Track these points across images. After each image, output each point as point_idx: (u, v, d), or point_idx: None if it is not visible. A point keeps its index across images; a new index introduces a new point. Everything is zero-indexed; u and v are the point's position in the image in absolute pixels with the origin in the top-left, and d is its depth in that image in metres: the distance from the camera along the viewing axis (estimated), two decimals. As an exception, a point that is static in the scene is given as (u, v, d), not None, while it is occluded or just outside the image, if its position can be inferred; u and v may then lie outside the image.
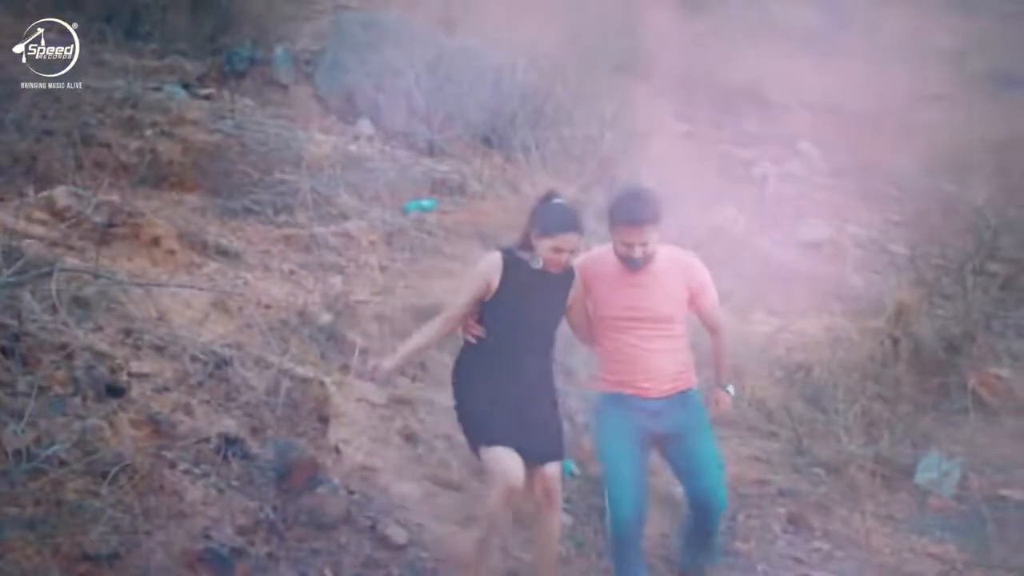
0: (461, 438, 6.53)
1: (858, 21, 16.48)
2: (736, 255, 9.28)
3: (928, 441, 7.89)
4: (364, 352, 6.86)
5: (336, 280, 7.99)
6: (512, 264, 5.14)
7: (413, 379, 7.09)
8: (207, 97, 10.75)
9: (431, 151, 11.14)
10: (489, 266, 5.16)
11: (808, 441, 7.66)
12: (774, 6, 17.23)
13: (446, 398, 6.88)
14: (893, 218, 12.40)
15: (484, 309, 5.17)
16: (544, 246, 5.09)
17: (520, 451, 5.02)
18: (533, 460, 5.07)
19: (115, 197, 7.76)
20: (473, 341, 5.18)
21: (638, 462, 5.24)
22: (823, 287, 9.91)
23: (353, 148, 10.37)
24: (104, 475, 5.07)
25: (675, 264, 5.30)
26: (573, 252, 5.14)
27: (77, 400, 5.47)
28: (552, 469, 5.14)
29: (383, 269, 8.42)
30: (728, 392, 5.56)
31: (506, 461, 4.99)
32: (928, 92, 14.38)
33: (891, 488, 7.32)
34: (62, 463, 5.05)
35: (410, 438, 6.53)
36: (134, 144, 9.03)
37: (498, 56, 11.89)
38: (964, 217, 11.03)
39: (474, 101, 11.54)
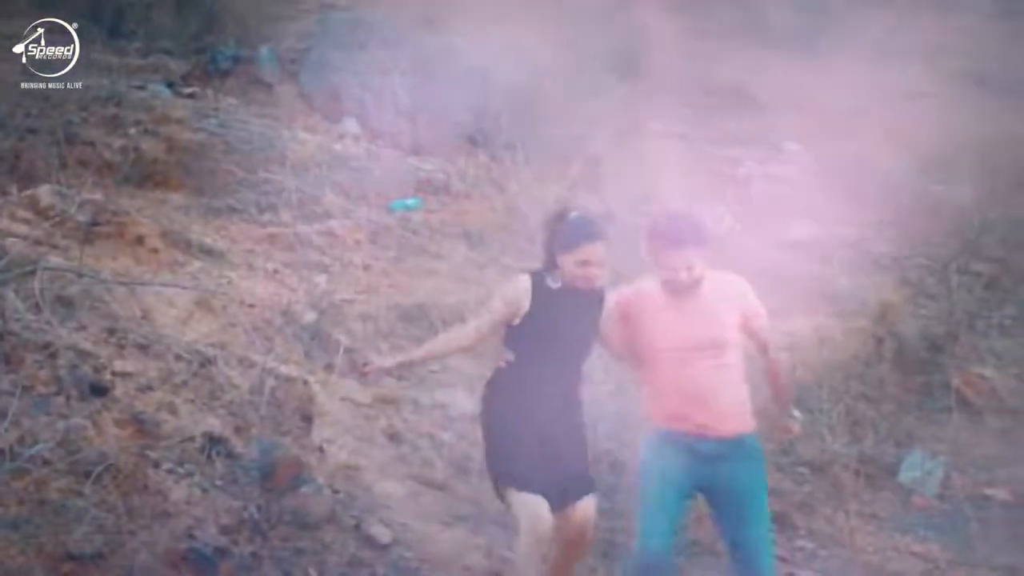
0: (445, 437, 6.60)
1: (839, 21, 16.52)
2: (722, 255, 9.28)
3: (912, 440, 7.92)
4: (349, 351, 6.86)
5: (320, 279, 7.99)
6: (541, 287, 4.91)
7: (398, 378, 7.08)
8: (191, 96, 10.73)
9: (416, 150, 11.14)
10: (518, 289, 4.92)
11: (792, 440, 7.66)
12: (759, 6, 17.25)
13: (430, 397, 6.90)
14: (878, 218, 12.42)
15: (512, 333, 4.93)
16: (569, 262, 4.85)
17: (550, 492, 4.80)
18: (565, 499, 4.86)
19: (99, 196, 7.75)
20: (503, 365, 4.97)
21: (677, 505, 4.89)
22: (808, 287, 9.93)
23: (338, 147, 10.36)
24: (88, 474, 5.06)
25: (724, 287, 5.00)
26: (601, 264, 4.90)
27: (60, 399, 5.45)
28: (586, 505, 4.90)
29: (367, 268, 8.41)
30: (796, 419, 5.25)
31: (534, 508, 4.76)
32: (912, 91, 14.41)
33: (875, 487, 7.34)
34: (45, 462, 5.04)
35: (394, 437, 6.53)
36: (118, 143, 9.01)
37: (483, 55, 11.89)
38: (948, 217, 11.08)
39: (459, 100, 11.55)
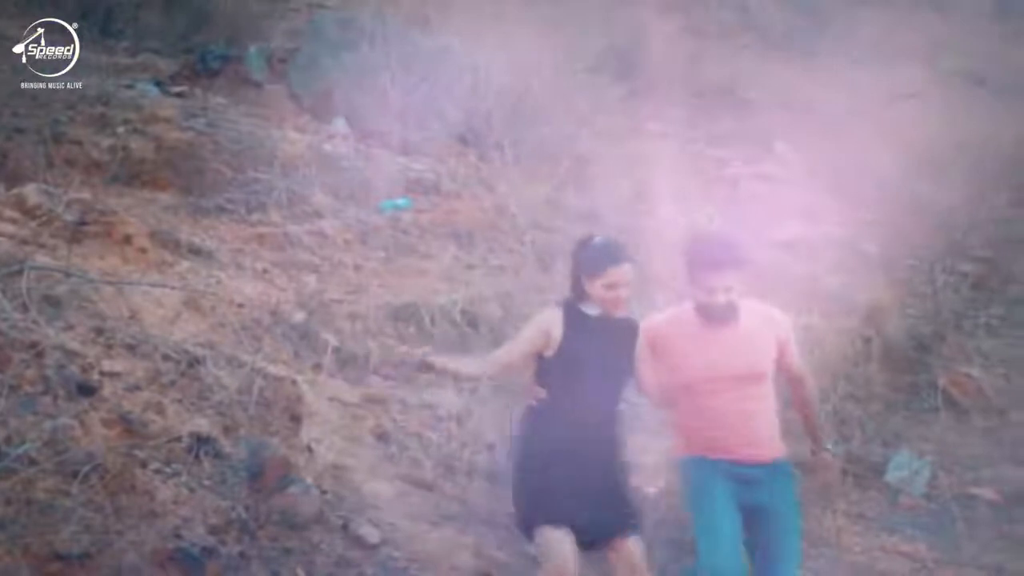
0: (433, 436, 6.60)
1: (833, 21, 16.55)
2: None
3: (899, 440, 7.93)
4: (337, 351, 6.86)
5: (310, 279, 7.99)
6: (573, 316, 4.83)
7: (385, 378, 7.09)
8: (180, 95, 10.72)
9: (406, 150, 11.14)
10: (549, 318, 4.84)
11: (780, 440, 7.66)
12: (750, 6, 17.28)
13: (418, 397, 6.89)
14: (866, 218, 12.44)
15: (545, 366, 4.84)
16: (597, 287, 4.78)
17: (587, 530, 4.72)
18: (605, 535, 4.78)
19: (86, 195, 7.75)
20: (535, 403, 4.87)
21: (735, 521, 4.82)
22: (797, 287, 9.93)
23: (328, 147, 10.36)
24: (75, 474, 5.05)
25: (761, 317, 4.93)
26: (628, 286, 4.81)
27: (48, 399, 5.44)
28: (632, 542, 4.79)
29: (357, 268, 8.41)
30: (831, 452, 5.27)
31: (558, 547, 4.67)
32: (903, 92, 14.45)
33: (862, 487, 7.36)
34: (32, 462, 5.03)
35: (382, 437, 6.52)
36: (106, 142, 9.00)
37: (474, 55, 11.89)
38: (936, 217, 11.11)
39: (449, 100, 11.55)
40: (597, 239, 4.96)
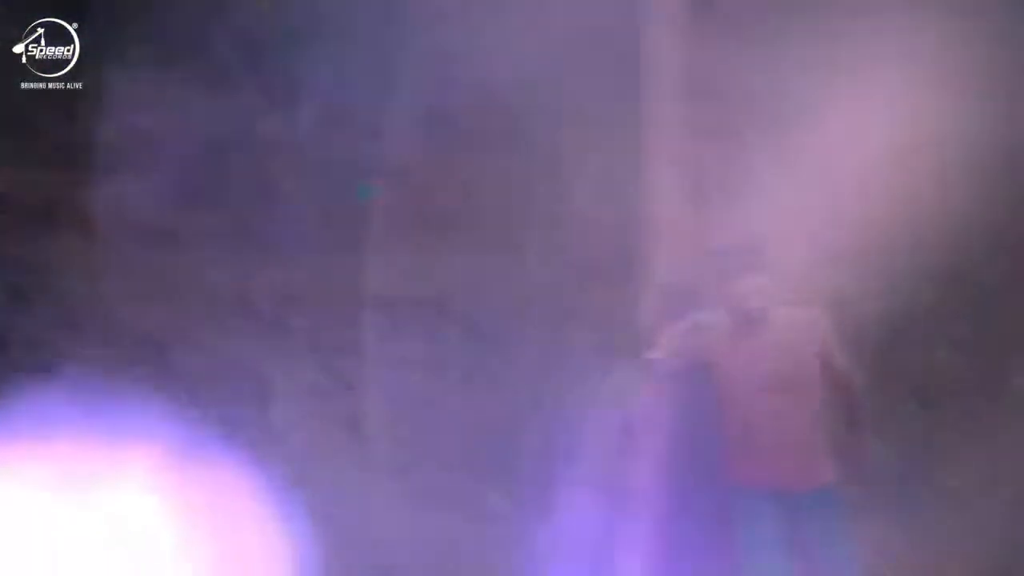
0: (407, 424, 6.58)
1: (806, 16, 16.54)
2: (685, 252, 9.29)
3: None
4: (307, 338, 6.84)
5: (279, 266, 7.95)
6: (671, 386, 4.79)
7: (357, 365, 7.07)
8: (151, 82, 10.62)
9: (377, 137, 11.08)
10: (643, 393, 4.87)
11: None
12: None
13: (390, 383, 6.89)
14: (839, 211, 12.47)
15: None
16: (698, 337, 4.73)
17: None
18: None
19: (56, 185, 7.67)
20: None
21: (784, 557, 4.80)
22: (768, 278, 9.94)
23: (298, 133, 10.30)
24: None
25: (800, 322, 4.99)
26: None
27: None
28: None
29: (327, 255, 8.38)
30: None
31: None
32: (879, 90, 14.48)
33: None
34: None
35: (354, 424, 6.51)
36: (76, 131, 8.92)
37: (447, 41, 11.84)
38: (907, 210, 11.15)
39: (422, 87, 11.49)
40: (672, 288, 4.92)
